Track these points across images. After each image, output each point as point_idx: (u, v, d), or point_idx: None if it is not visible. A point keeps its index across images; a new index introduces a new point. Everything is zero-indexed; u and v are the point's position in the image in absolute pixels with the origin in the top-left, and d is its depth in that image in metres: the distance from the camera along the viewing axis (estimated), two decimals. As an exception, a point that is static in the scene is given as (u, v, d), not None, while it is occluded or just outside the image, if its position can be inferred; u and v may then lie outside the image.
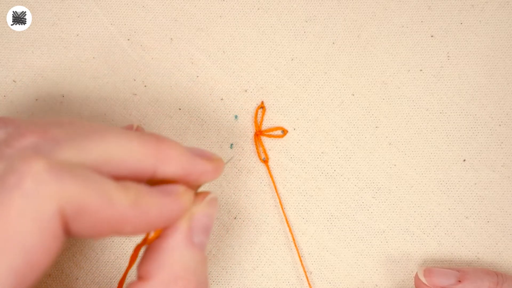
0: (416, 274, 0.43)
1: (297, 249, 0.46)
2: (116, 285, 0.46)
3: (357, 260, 0.47)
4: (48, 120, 0.34)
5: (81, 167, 0.30)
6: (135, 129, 0.42)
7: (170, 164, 0.34)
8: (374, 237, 0.47)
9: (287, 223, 0.47)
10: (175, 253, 0.33)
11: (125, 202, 0.30)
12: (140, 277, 0.33)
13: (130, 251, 0.47)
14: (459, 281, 0.41)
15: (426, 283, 0.42)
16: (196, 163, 0.35)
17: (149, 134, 0.34)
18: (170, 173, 0.34)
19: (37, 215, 0.27)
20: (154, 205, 0.32)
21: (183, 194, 0.33)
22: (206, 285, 0.34)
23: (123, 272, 0.46)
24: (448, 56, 0.49)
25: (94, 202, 0.29)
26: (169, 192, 0.33)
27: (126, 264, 0.46)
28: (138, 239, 0.47)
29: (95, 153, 0.31)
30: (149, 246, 0.34)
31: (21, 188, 0.27)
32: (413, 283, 0.46)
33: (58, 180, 0.28)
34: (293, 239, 0.46)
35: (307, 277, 0.46)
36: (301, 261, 0.46)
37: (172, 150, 0.34)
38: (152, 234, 0.34)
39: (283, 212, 0.47)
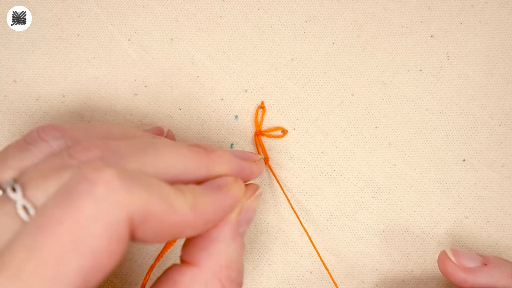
0: (442, 253, 0.42)
1: (310, 239, 0.46)
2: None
3: (357, 260, 0.47)
4: (99, 130, 0.36)
5: (147, 175, 0.31)
6: (165, 134, 0.44)
7: (220, 172, 0.36)
8: (374, 237, 0.47)
9: (297, 216, 0.47)
10: (223, 244, 0.35)
11: (185, 207, 0.32)
12: (186, 262, 0.35)
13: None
14: (485, 264, 0.41)
15: (455, 261, 0.42)
16: (243, 168, 0.38)
17: (197, 145, 0.36)
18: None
19: (107, 220, 0.28)
20: (210, 204, 0.33)
21: (234, 185, 0.36)
22: (243, 272, 0.36)
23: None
24: (448, 56, 0.49)
25: (159, 209, 0.30)
26: (220, 186, 0.35)
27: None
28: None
29: (153, 167, 0.32)
30: None
31: (92, 194, 0.28)
32: (414, 282, 0.46)
33: (128, 188, 0.29)
34: (305, 231, 0.46)
35: (325, 266, 0.46)
36: (316, 251, 0.46)
37: (220, 158, 0.36)
38: None
39: (292, 207, 0.47)
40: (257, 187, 0.39)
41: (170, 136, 0.45)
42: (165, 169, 0.33)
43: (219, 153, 0.36)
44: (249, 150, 0.48)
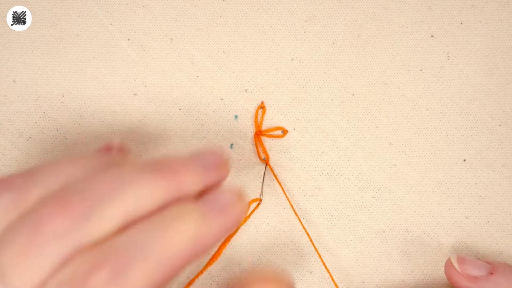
0: (449, 259, 0.42)
1: (310, 239, 0.46)
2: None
3: (357, 260, 0.47)
4: (43, 176, 0.32)
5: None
6: (116, 148, 0.40)
7: (190, 189, 0.34)
8: (374, 237, 0.47)
9: (297, 216, 0.47)
10: None
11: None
12: None
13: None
14: (491, 273, 0.41)
15: (459, 270, 0.41)
16: (212, 179, 0.35)
17: (161, 165, 0.33)
18: (192, 194, 0.34)
19: None
20: (215, 231, 0.32)
21: (237, 203, 0.34)
22: None
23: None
24: (448, 56, 0.49)
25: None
26: (223, 208, 0.33)
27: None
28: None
29: (122, 217, 0.30)
30: None
31: None
32: (414, 282, 0.46)
33: None
34: (306, 231, 0.46)
35: (325, 266, 0.46)
36: (316, 251, 0.46)
37: (188, 177, 0.34)
38: None
39: (292, 207, 0.47)
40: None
41: (123, 149, 0.41)
42: (136, 211, 0.30)
43: (185, 172, 0.33)
44: (249, 150, 0.48)
